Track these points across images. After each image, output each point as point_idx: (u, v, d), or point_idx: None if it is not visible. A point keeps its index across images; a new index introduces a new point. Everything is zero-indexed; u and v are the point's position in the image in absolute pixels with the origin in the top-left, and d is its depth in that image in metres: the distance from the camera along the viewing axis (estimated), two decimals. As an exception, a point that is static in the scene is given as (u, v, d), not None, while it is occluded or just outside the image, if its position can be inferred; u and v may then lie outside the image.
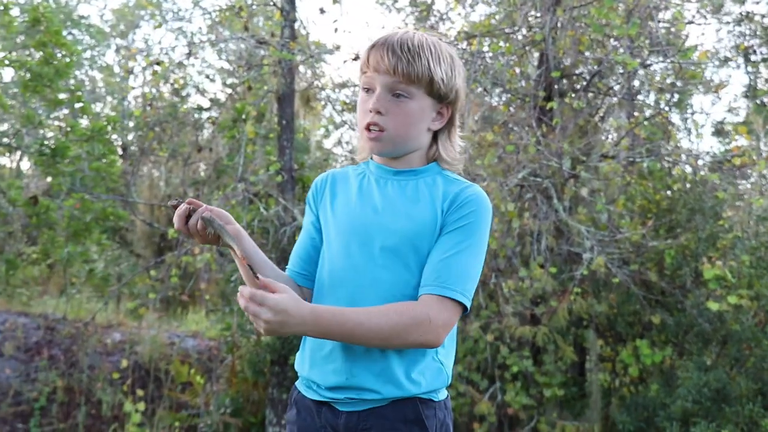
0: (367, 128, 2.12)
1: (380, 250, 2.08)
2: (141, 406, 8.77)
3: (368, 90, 2.14)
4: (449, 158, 2.22)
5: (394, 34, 2.13)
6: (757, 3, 12.86)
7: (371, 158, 2.28)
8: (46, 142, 10.34)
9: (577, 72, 8.40)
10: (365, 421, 2.05)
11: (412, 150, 2.18)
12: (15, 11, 11.75)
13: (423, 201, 2.12)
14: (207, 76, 17.13)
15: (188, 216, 2.08)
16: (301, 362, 2.20)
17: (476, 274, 2.08)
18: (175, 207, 2.09)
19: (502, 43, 8.06)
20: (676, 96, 9.89)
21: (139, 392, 9.16)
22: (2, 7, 10.29)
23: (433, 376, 2.09)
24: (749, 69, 14.35)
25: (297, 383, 2.25)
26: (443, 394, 2.15)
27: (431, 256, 2.06)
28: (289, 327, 1.90)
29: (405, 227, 2.08)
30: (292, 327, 1.90)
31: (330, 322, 1.95)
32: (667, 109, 8.96)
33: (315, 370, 2.12)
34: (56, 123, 12.62)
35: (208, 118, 11.09)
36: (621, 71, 8.14)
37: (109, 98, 20.85)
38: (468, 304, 2.04)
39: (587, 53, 8.17)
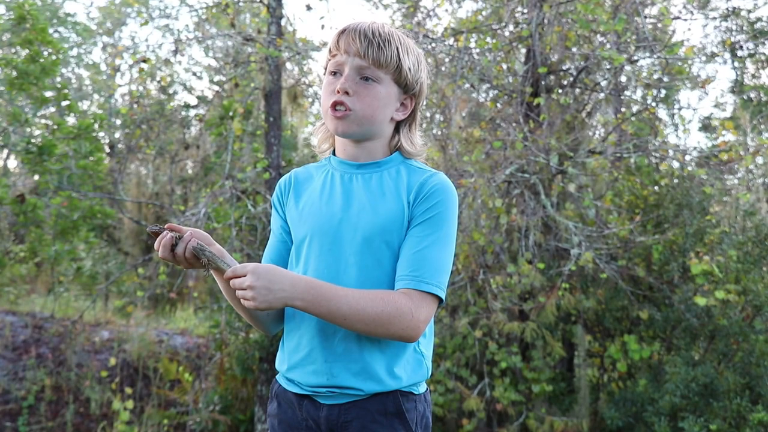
0: (333, 107, 2.12)
1: (351, 249, 2.08)
2: (129, 404, 8.76)
3: (335, 73, 2.16)
4: (411, 149, 2.24)
5: (364, 21, 2.16)
6: (744, -2, 12.90)
7: (333, 153, 2.29)
8: (32, 140, 10.30)
9: (564, 68, 8.41)
10: (346, 413, 2.06)
11: (375, 136, 2.19)
12: (0, 9, 11.71)
13: (388, 194, 2.13)
14: (194, 74, 17.14)
15: (173, 244, 2.04)
16: (281, 362, 2.20)
17: (449, 265, 2.10)
18: (156, 234, 2.04)
19: (489, 39, 8.06)
20: (663, 91, 9.93)
21: (128, 390, 9.15)
22: (-13, 5, 10.25)
23: (413, 369, 2.10)
24: (736, 64, 14.39)
25: (278, 377, 2.25)
26: (423, 387, 2.17)
27: (404, 248, 2.07)
28: (276, 293, 1.91)
29: (373, 222, 2.08)
30: (279, 293, 1.92)
31: (321, 291, 1.96)
32: (654, 104, 8.99)
33: (295, 371, 2.12)
34: (43, 121, 12.57)
35: (196, 115, 11.09)
36: (608, 67, 8.15)
37: (95, 96, 20.84)
38: (444, 297, 2.07)
39: (574, 49, 8.18)
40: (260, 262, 2.13)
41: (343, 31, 2.15)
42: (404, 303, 1.99)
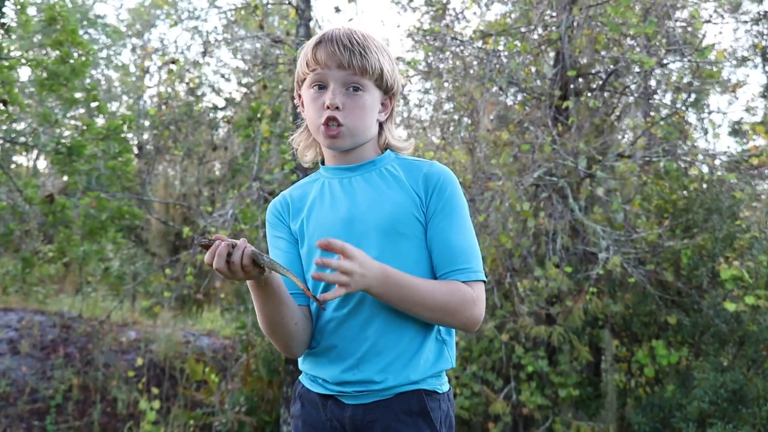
0: (326, 124, 2.10)
1: (367, 245, 2.05)
2: (156, 404, 8.79)
3: (320, 86, 2.12)
4: (399, 144, 2.26)
5: (336, 29, 2.14)
6: (775, 2, 12.76)
7: (321, 164, 2.29)
8: (62, 141, 10.35)
9: (593, 71, 8.37)
10: (371, 413, 2.06)
11: (365, 142, 2.19)
12: (32, 10, 11.80)
13: (393, 187, 2.13)
14: (222, 75, 17.17)
15: (228, 253, 1.91)
16: (306, 362, 2.20)
17: (479, 247, 2.13)
18: (206, 246, 1.92)
19: (517, 42, 8.03)
20: (693, 95, 9.85)
21: (154, 390, 9.19)
22: (19, 7, 10.31)
23: (435, 358, 2.11)
24: (767, 68, 14.27)
25: (301, 378, 2.25)
26: (447, 387, 2.17)
27: (437, 243, 2.09)
28: (364, 281, 1.89)
29: (384, 215, 2.09)
30: (367, 281, 1.90)
31: (395, 278, 1.97)
32: (683, 108, 8.91)
33: (322, 369, 2.12)
34: (72, 122, 12.66)
35: (223, 117, 11.12)
36: (637, 70, 8.09)
37: (124, 97, 20.98)
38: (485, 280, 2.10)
39: (603, 52, 8.13)
40: None
41: (319, 43, 2.12)
42: (467, 291, 2.03)
